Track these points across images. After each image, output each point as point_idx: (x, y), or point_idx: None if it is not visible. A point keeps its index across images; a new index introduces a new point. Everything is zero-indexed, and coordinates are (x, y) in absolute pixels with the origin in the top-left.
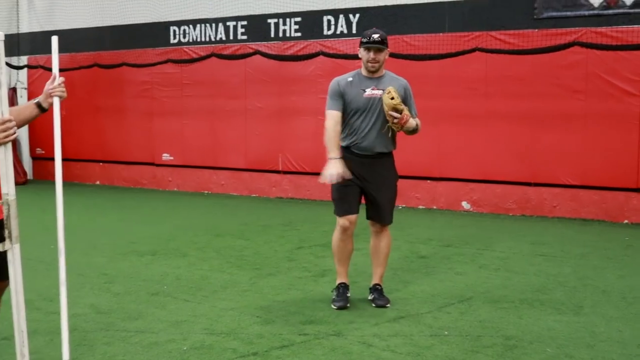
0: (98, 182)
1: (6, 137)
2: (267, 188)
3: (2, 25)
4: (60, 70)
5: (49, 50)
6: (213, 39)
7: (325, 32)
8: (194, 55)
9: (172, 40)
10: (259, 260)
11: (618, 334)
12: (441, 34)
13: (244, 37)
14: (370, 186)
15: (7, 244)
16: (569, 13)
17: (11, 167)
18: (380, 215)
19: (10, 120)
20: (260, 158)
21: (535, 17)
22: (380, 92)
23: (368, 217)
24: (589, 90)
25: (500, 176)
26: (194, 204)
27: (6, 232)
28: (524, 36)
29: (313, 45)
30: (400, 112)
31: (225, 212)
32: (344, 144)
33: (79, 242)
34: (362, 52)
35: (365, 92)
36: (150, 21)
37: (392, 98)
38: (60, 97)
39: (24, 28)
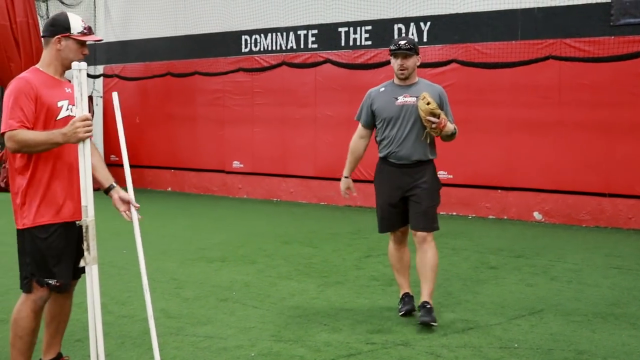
0: (169, 189)
1: (87, 132)
2: (336, 196)
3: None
4: (135, 78)
5: (124, 60)
6: (284, 48)
7: None
8: (265, 64)
9: (243, 49)
10: (327, 268)
11: None
12: (514, 41)
13: (315, 45)
14: (410, 195)
15: (87, 259)
16: None
17: (90, 172)
18: (420, 221)
19: (88, 119)
20: (330, 166)
21: (611, 23)
22: (413, 99)
23: (410, 227)
24: None
25: (573, 186)
26: (263, 211)
27: (84, 244)
28: (599, 43)
29: (383, 54)
30: (437, 116)
31: (293, 219)
32: (381, 154)
33: (150, 248)
34: (392, 61)
35: (397, 99)
36: (223, 30)
37: (428, 103)
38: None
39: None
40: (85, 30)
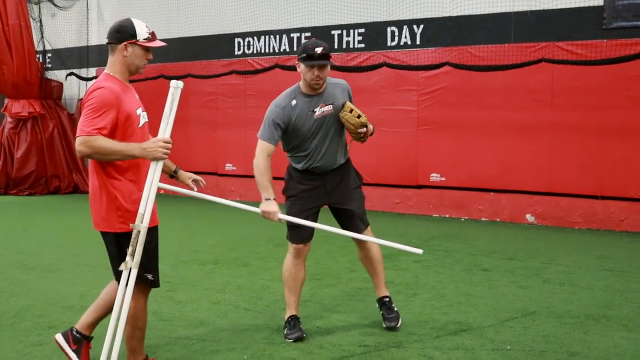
0: (162, 192)
1: (165, 153)
2: None
3: (73, 38)
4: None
5: None
6: (277, 50)
7: (389, 43)
8: (258, 67)
9: (236, 52)
10: (320, 271)
11: None
12: (507, 44)
13: None
14: (333, 199)
15: (128, 263)
16: (639, 23)
17: (155, 188)
18: (358, 224)
19: (170, 142)
20: None
21: (604, 27)
22: (329, 107)
23: (350, 230)
24: None
25: (566, 189)
26: (256, 214)
27: (130, 249)
28: (592, 46)
29: (376, 57)
30: (365, 125)
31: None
32: (299, 167)
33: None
34: (302, 68)
35: (315, 112)
36: (215, 33)
37: (359, 116)
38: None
39: (93, 40)
40: (150, 36)
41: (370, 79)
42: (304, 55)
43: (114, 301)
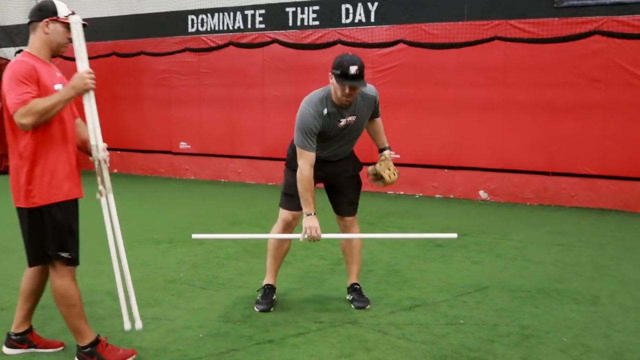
0: (115, 170)
1: (93, 82)
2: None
3: (21, 15)
4: None
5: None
6: (231, 28)
7: (344, 20)
8: (212, 44)
9: (190, 29)
10: None
11: (635, 324)
12: (460, 22)
13: (262, 25)
14: (335, 181)
15: (102, 191)
16: (589, 1)
17: (97, 117)
18: (350, 209)
19: (91, 72)
20: (278, 147)
21: (555, 5)
22: (353, 118)
23: (337, 212)
24: (609, 79)
25: (518, 165)
26: (211, 192)
27: (98, 179)
28: (544, 25)
29: (331, 34)
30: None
31: (242, 200)
32: None
33: (97, 230)
34: (334, 82)
35: (340, 122)
36: (169, 10)
37: (394, 174)
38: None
39: None
40: (71, 14)
41: (324, 56)
42: (338, 72)
43: (36, 286)
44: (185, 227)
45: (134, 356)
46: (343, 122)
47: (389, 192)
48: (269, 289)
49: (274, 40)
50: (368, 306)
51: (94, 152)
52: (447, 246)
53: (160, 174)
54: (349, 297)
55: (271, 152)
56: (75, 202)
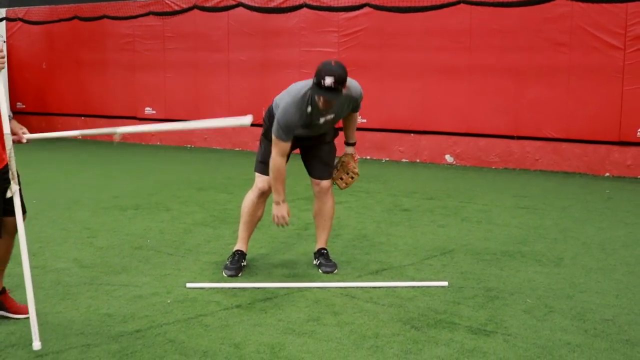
0: (80, 137)
1: (2, 63)
2: (251, 142)
3: None
4: (39, 22)
5: (28, 2)
6: None
7: None
8: (176, 8)
9: None
10: None
11: (597, 285)
12: None
13: None
14: (309, 145)
15: (13, 188)
16: None
17: (5, 99)
18: (324, 171)
19: (1, 50)
20: (244, 112)
21: None
22: (332, 115)
23: (312, 176)
24: (574, 43)
25: (484, 129)
26: (177, 158)
27: (10, 173)
28: None
29: None
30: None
31: (208, 166)
32: None
33: (62, 197)
34: (314, 86)
35: (320, 120)
36: None
37: (354, 176)
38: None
39: None
40: None
41: (290, 20)
42: (315, 80)
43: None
44: (152, 193)
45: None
46: (322, 120)
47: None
48: (239, 255)
49: (239, 4)
50: (336, 271)
51: (7, 142)
52: (413, 210)
53: (125, 140)
54: (315, 261)
55: (236, 115)
56: None
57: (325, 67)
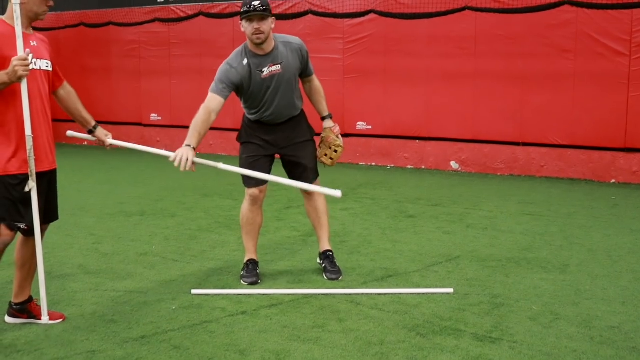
0: (86, 143)
1: (25, 70)
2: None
3: None
4: (46, 29)
5: None
6: None
7: None
8: (182, 14)
9: None
10: None
11: (602, 292)
12: None
13: None
14: (286, 151)
15: (30, 184)
16: None
17: (27, 106)
18: (307, 176)
19: (24, 59)
20: None
21: None
22: (278, 67)
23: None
24: (579, 49)
25: (489, 136)
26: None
27: (29, 170)
28: None
29: (302, 4)
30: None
31: (213, 172)
32: (251, 117)
33: (67, 203)
34: (244, 25)
35: (263, 72)
36: None
37: (337, 149)
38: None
39: None
40: None
41: (295, 26)
42: (243, 10)
43: (27, 255)
44: (157, 199)
45: (61, 319)
46: (266, 71)
47: (360, 164)
48: (252, 264)
49: None
50: (341, 277)
51: (27, 145)
52: (418, 217)
53: None
54: (320, 262)
55: None
56: (18, 176)
57: None
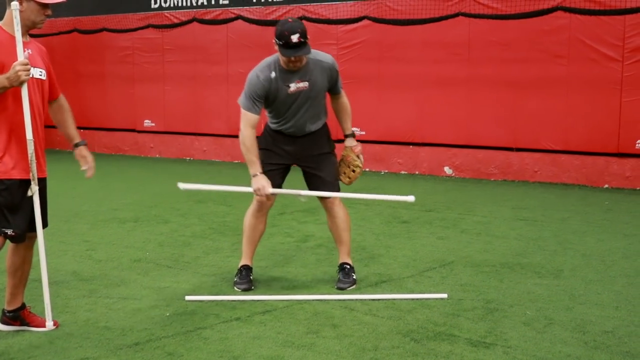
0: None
1: (26, 74)
2: None
3: None
4: (39, 35)
5: None
6: (194, 4)
7: None
8: (175, 21)
9: (152, 5)
10: (241, 226)
11: (596, 297)
12: None
13: (226, 1)
14: (304, 162)
15: (33, 188)
16: None
17: (28, 110)
18: (324, 187)
19: (25, 63)
20: None
21: None
22: (305, 84)
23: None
24: (572, 55)
25: (482, 141)
26: (175, 170)
27: (31, 175)
28: (507, 1)
29: (296, 10)
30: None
31: (207, 178)
32: (272, 126)
33: (61, 210)
34: (280, 50)
35: (290, 87)
36: None
37: (355, 169)
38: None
39: None
40: None
41: None
42: (281, 42)
43: (19, 262)
44: (150, 205)
45: (55, 326)
46: (293, 87)
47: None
48: (246, 270)
49: (238, 17)
50: (350, 287)
51: (28, 149)
52: (412, 222)
53: (124, 153)
54: (338, 275)
55: (236, 129)
56: (18, 182)
57: (286, 26)
